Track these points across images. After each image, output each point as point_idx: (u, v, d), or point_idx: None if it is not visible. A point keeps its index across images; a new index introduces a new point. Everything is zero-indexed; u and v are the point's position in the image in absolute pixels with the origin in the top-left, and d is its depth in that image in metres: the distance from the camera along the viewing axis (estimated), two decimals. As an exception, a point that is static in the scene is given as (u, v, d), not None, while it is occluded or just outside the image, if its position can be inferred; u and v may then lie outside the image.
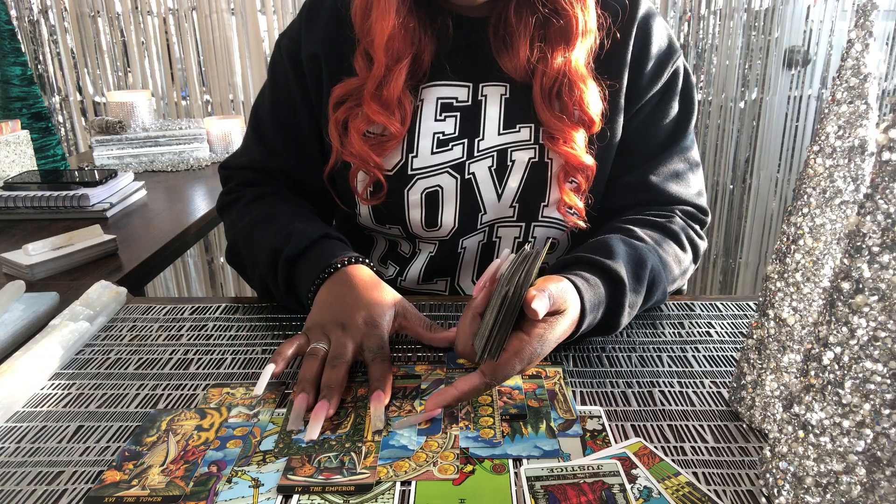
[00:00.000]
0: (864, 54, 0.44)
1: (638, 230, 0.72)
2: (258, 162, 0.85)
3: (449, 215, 0.79)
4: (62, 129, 2.29)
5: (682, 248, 0.75)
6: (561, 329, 0.57)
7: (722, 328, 0.71)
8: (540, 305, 0.53)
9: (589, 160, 0.75)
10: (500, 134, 0.77)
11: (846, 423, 0.40)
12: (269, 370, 0.58)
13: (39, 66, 2.21)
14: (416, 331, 0.66)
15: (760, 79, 2.11)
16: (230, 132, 1.72)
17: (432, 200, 0.78)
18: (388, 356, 0.61)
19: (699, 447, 0.51)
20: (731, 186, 2.24)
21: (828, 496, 0.41)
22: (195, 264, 2.38)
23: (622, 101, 0.78)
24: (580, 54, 0.73)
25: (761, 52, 2.08)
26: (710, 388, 0.60)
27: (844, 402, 0.39)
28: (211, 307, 0.78)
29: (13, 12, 2.13)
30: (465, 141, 0.77)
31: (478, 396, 0.57)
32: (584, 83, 0.73)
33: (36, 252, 0.92)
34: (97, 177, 1.27)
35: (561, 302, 0.56)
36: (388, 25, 0.70)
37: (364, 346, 0.61)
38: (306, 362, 0.59)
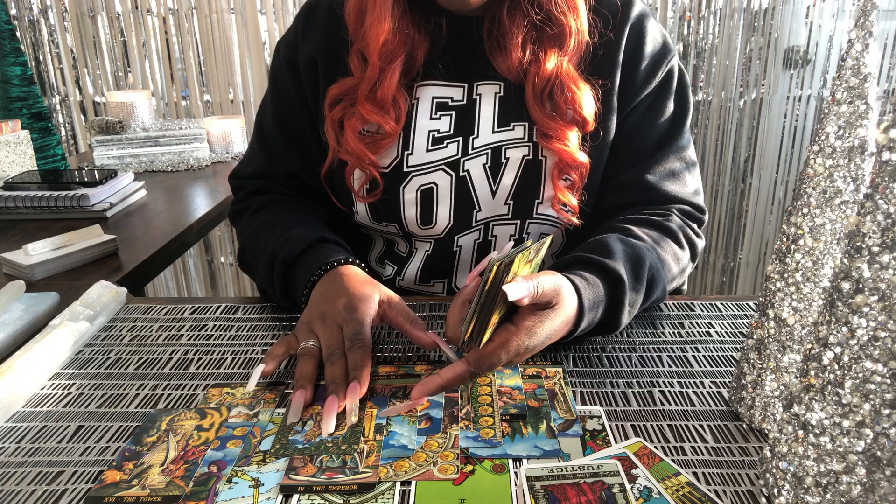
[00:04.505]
0: (864, 54, 0.44)
1: (635, 229, 0.72)
2: (264, 169, 0.87)
3: (444, 212, 0.80)
4: (62, 129, 2.29)
5: (681, 246, 0.75)
6: (553, 325, 0.57)
7: (722, 328, 0.71)
8: (513, 288, 0.52)
9: (583, 157, 0.76)
10: (494, 132, 0.78)
11: (846, 423, 0.40)
12: (259, 370, 0.59)
13: (39, 66, 2.21)
14: (399, 321, 0.65)
15: (760, 79, 2.11)
16: (230, 132, 1.72)
17: (427, 198, 0.79)
18: (367, 342, 0.61)
19: (699, 447, 0.51)
20: (731, 186, 2.24)
21: (828, 496, 0.41)
22: (195, 264, 2.38)
23: (615, 100, 0.78)
24: (572, 59, 0.74)
25: (761, 52, 2.08)
26: (710, 388, 0.60)
27: (844, 402, 0.39)
28: (211, 307, 0.78)
29: (13, 12, 2.13)
30: (460, 139, 0.78)
31: (461, 385, 0.57)
32: (577, 84, 0.74)
33: (36, 252, 0.92)
34: (97, 177, 1.27)
35: (552, 295, 0.56)
36: (384, 30, 0.71)
37: (343, 332, 0.61)
38: (301, 361, 0.60)
